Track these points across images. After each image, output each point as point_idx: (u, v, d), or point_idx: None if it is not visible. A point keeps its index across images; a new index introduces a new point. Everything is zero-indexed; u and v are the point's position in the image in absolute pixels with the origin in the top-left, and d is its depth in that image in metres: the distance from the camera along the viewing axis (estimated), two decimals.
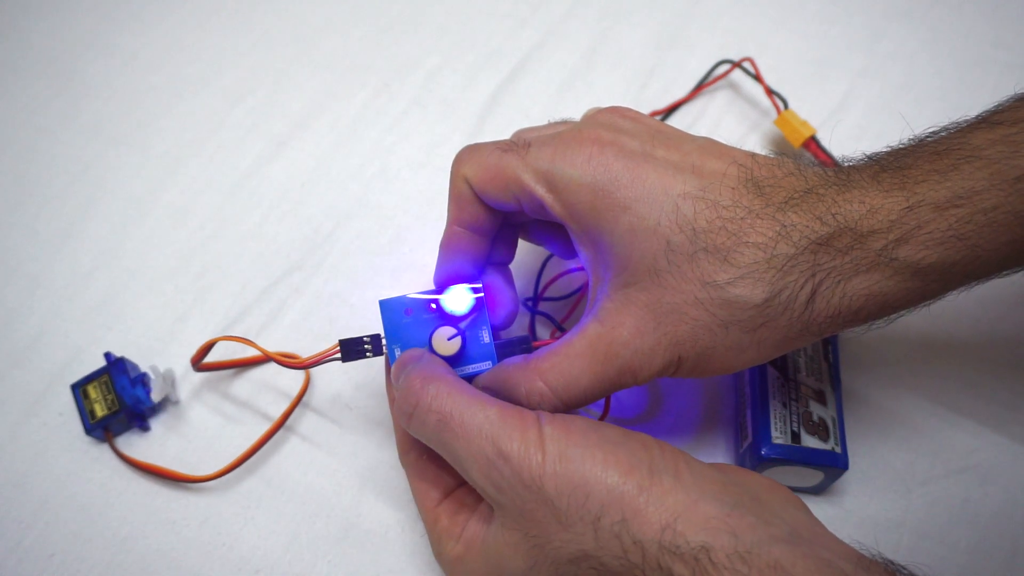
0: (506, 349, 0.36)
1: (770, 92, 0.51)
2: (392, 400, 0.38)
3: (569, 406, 0.33)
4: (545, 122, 0.40)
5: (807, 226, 0.31)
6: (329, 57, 0.56)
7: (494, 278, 0.38)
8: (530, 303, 0.44)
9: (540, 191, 0.33)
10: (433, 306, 0.36)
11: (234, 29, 0.57)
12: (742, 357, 0.33)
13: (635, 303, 0.32)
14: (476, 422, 0.30)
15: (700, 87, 0.54)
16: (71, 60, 0.55)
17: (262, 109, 0.53)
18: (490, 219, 0.36)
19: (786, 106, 0.51)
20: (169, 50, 0.56)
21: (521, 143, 0.35)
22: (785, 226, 0.31)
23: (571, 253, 0.39)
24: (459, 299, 0.36)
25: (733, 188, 0.32)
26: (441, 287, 0.37)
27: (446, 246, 0.37)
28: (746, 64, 0.53)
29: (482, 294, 0.36)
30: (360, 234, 0.49)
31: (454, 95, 0.54)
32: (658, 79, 0.54)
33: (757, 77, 0.52)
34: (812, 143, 0.49)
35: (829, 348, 0.41)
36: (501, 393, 0.34)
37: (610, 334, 0.32)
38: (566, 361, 0.33)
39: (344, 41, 0.56)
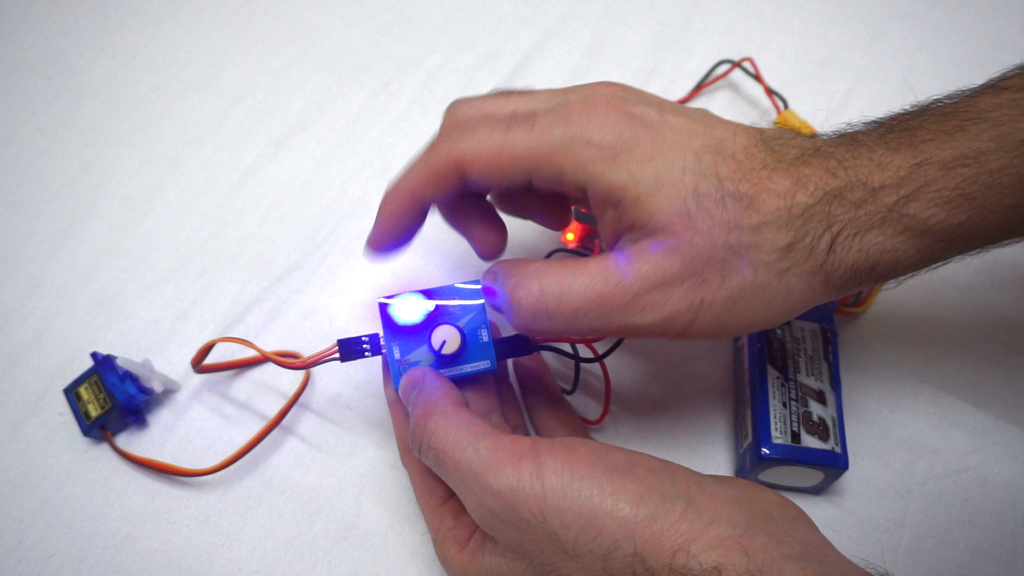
0: (505, 347, 0.36)
1: (770, 92, 0.51)
2: (390, 401, 0.38)
3: (551, 321, 0.32)
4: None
5: (820, 178, 0.31)
6: (329, 57, 0.56)
7: (473, 212, 0.37)
8: None
9: (559, 161, 0.32)
10: (432, 305, 0.36)
11: (234, 29, 0.57)
12: (769, 307, 0.32)
13: (663, 246, 0.31)
14: (466, 458, 0.30)
15: (700, 87, 0.54)
16: (71, 60, 0.55)
17: (262, 109, 0.53)
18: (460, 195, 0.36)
19: (786, 106, 0.51)
20: (169, 50, 0.56)
21: (524, 116, 0.33)
22: (800, 178, 0.31)
23: (558, 224, 0.39)
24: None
25: (745, 146, 0.32)
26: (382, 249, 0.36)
27: (398, 213, 0.36)
28: (746, 64, 0.53)
29: (482, 299, 0.36)
30: (360, 234, 0.48)
31: (454, 95, 0.54)
32: (658, 79, 0.54)
33: (757, 77, 0.52)
34: None
35: (829, 348, 0.41)
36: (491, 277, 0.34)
37: (629, 267, 0.31)
38: (572, 274, 0.32)
39: (344, 41, 0.56)
